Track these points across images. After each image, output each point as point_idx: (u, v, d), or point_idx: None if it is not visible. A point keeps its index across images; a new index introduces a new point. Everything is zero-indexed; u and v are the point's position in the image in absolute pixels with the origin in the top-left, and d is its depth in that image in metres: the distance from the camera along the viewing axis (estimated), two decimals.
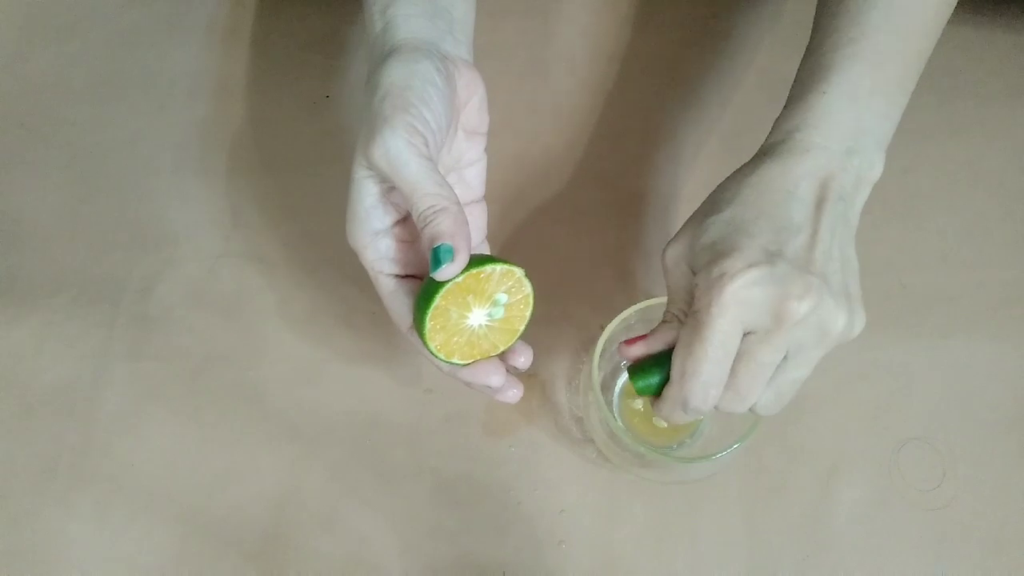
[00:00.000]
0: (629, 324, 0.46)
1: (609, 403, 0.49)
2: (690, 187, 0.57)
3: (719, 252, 0.35)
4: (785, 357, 0.35)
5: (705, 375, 0.35)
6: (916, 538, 0.47)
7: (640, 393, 0.38)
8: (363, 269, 0.40)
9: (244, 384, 0.52)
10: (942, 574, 0.46)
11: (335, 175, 0.58)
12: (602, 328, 0.45)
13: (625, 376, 0.51)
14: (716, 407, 0.36)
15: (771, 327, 0.34)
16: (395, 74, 0.38)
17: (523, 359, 0.41)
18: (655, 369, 0.38)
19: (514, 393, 0.41)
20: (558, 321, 0.53)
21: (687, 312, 0.37)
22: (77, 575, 0.47)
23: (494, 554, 0.47)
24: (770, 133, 0.39)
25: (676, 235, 0.39)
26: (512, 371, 0.41)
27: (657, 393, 0.38)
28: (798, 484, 0.48)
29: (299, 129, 0.61)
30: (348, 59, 0.64)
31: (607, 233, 0.56)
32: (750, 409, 0.37)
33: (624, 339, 0.39)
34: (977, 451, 0.49)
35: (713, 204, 0.38)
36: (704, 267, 0.35)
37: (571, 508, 0.48)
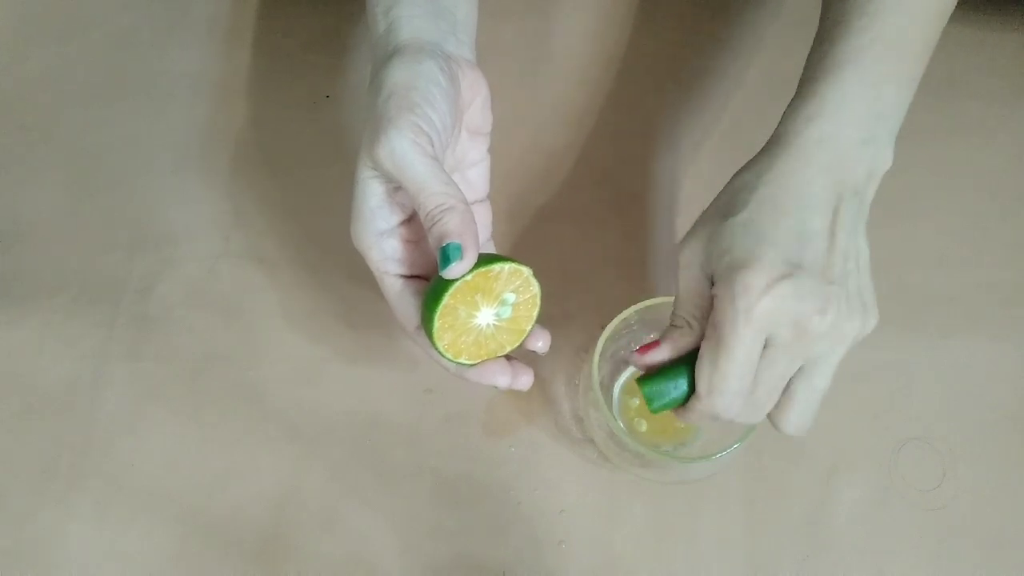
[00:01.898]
0: (629, 324, 0.46)
1: (609, 403, 0.49)
2: (690, 186, 0.57)
3: (740, 262, 0.34)
4: (802, 367, 0.35)
5: (734, 389, 0.35)
6: (916, 538, 0.47)
7: (656, 412, 0.38)
8: (364, 269, 0.40)
9: (244, 384, 0.52)
10: (942, 574, 0.46)
11: (335, 175, 0.58)
12: (602, 328, 0.45)
13: (625, 376, 0.51)
14: (733, 420, 0.36)
15: (791, 340, 0.34)
16: (399, 74, 0.38)
17: (541, 343, 0.41)
18: (667, 384, 0.37)
19: (526, 380, 0.41)
20: (558, 321, 0.52)
21: (697, 317, 0.37)
22: (77, 575, 0.47)
23: (494, 554, 0.47)
24: (783, 120, 0.38)
25: (691, 233, 0.38)
26: (527, 356, 0.41)
27: (671, 407, 0.38)
28: (798, 484, 0.48)
29: (299, 129, 0.61)
30: (349, 59, 0.64)
31: (607, 233, 0.56)
32: (779, 430, 0.37)
33: (635, 348, 0.39)
34: (977, 451, 0.49)
35: (729, 205, 0.37)
36: (724, 276, 0.34)
37: (571, 508, 0.48)
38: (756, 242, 0.34)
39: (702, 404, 0.36)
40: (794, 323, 0.33)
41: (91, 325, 0.54)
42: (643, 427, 0.49)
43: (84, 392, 0.52)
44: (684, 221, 0.55)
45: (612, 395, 0.50)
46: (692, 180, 0.57)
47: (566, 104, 0.61)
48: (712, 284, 0.36)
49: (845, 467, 0.48)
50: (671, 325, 0.38)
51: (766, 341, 0.34)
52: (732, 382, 0.34)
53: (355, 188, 0.38)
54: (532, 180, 0.58)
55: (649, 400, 0.37)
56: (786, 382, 0.35)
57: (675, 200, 0.57)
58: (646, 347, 0.38)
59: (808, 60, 0.40)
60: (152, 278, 0.56)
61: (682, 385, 0.37)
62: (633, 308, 0.45)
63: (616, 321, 0.45)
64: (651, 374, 0.38)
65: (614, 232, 0.56)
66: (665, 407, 0.38)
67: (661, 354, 0.38)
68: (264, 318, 0.54)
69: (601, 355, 0.44)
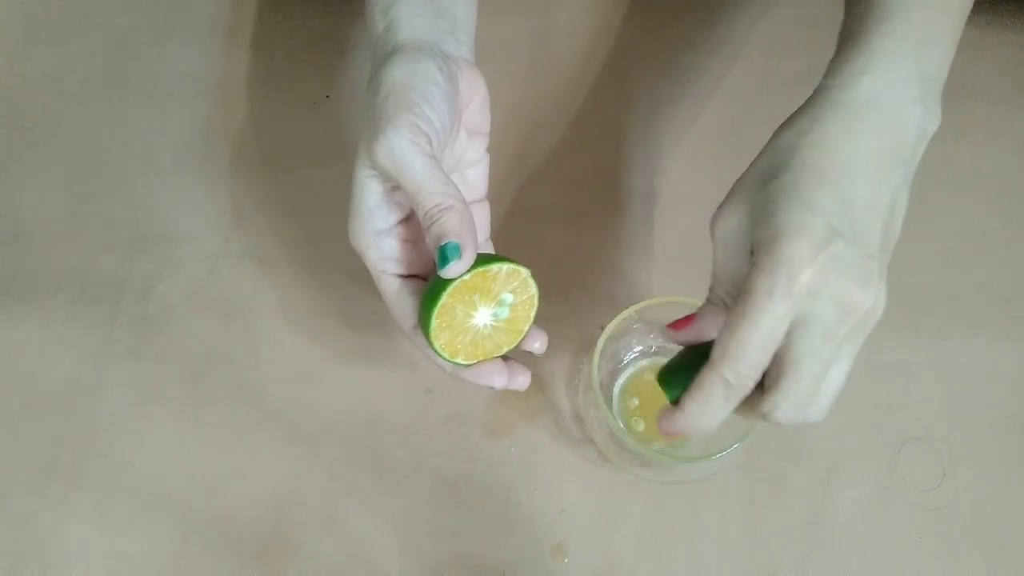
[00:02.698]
0: (629, 324, 0.46)
1: (609, 403, 0.49)
2: (690, 186, 0.57)
3: (781, 229, 0.32)
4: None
5: (749, 359, 0.32)
6: (916, 538, 0.47)
7: (674, 402, 0.35)
8: (364, 269, 0.40)
9: (244, 384, 0.52)
10: (942, 574, 0.46)
11: (335, 175, 0.58)
12: (602, 328, 0.45)
13: (625, 376, 0.51)
14: (777, 420, 0.34)
15: (832, 321, 0.32)
16: (398, 74, 0.38)
17: (538, 344, 0.41)
18: (689, 375, 0.34)
19: (523, 380, 0.41)
20: (558, 321, 0.52)
21: (734, 296, 0.35)
22: (77, 575, 0.47)
23: (494, 554, 0.47)
24: (828, 73, 0.36)
25: (727, 202, 0.35)
26: (525, 358, 0.41)
27: None
28: (798, 484, 0.48)
29: (299, 129, 0.61)
30: (348, 59, 0.64)
31: (607, 232, 0.56)
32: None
33: (669, 322, 0.37)
34: (977, 451, 0.49)
35: (769, 166, 0.34)
36: (766, 246, 0.32)
37: (571, 508, 0.48)
38: (799, 208, 0.32)
39: (714, 372, 0.33)
40: (837, 300, 0.31)
41: (91, 325, 0.54)
42: (641, 427, 0.49)
43: (84, 392, 0.52)
44: (684, 221, 0.55)
45: (612, 395, 0.50)
46: (692, 180, 0.57)
47: (565, 104, 0.61)
48: (751, 258, 0.33)
49: (845, 467, 0.48)
50: (707, 301, 0.36)
51: (803, 325, 0.32)
52: (749, 352, 0.32)
53: (353, 187, 0.38)
54: (531, 180, 0.58)
55: (667, 392, 0.36)
56: (827, 370, 0.33)
57: (675, 200, 0.57)
58: (679, 322, 0.37)
59: (849, 13, 0.38)
60: (152, 278, 0.56)
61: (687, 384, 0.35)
62: (633, 308, 0.45)
63: (616, 321, 0.45)
64: (674, 366, 0.37)
65: (613, 232, 0.56)
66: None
67: (694, 332, 0.36)
68: (264, 318, 0.54)
69: (601, 355, 0.44)
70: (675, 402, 0.35)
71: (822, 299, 0.31)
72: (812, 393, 0.33)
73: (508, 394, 0.51)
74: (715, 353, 0.33)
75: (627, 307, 0.45)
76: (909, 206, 0.54)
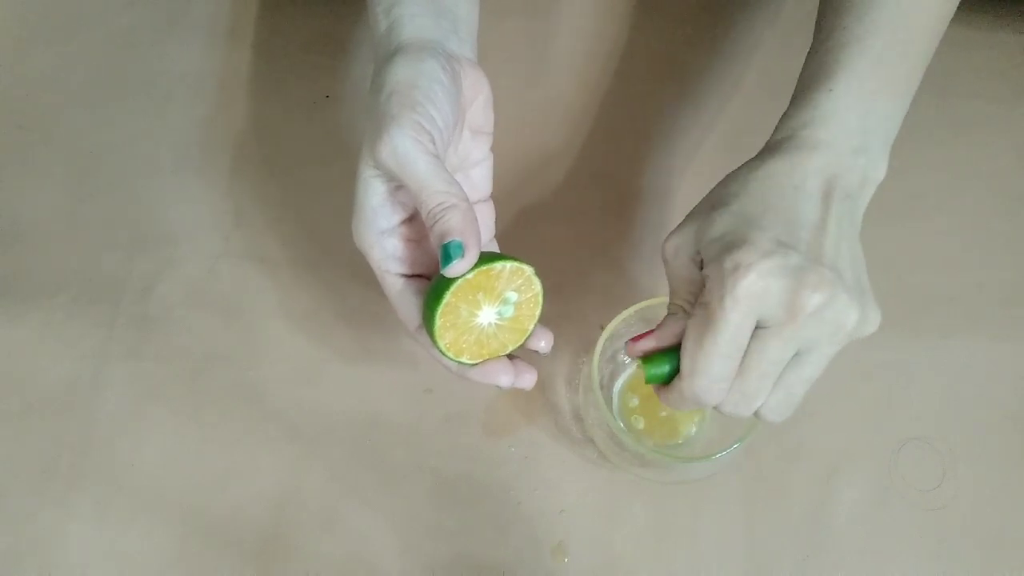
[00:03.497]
0: (629, 324, 0.46)
1: (609, 403, 0.49)
2: (690, 186, 0.57)
3: (729, 243, 0.34)
4: (796, 355, 0.34)
5: (716, 369, 0.34)
6: (916, 538, 0.47)
7: (649, 381, 0.37)
8: (365, 268, 0.40)
9: (244, 384, 0.52)
10: (942, 574, 0.46)
11: (336, 175, 0.58)
12: (602, 328, 0.45)
13: (625, 376, 0.51)
14: (721, 410, 0.36)
15: (783, 320, 0.33)
16: (401, 73, 0.38)
17: (544, 343, 0.41)
18: (666, 358, 0.37)
19: (529, 379, 0.41)
20: (558, 321, 0.52)
21: (692, 303, 0.37)
22: (77, 575, 0.47)
23: (494, 554, 0.47)
24: (775, 130, 0.39)
25: (677, 227, 0.38)
26: (529, 356, 0.41)
27: (667, 381, 0.37)
28: (798, 484, 0.48)
29: (299, 129, 0.61)
30: (348, 59, 0.64)
31: (607, 232, 0.56)
32: (756, 415, 0.36)
33: (629, 338, 0.38)
34: (977, 451, 0.49)
35: (719, 198, 0.37)
36: (714, 259, 0.34)
37: (571, 508, 0.48)
38: (747, 227, 0.34)
39: (684, 384, 0.35)
40: (786, 301, 0.32)
41: (91, 325, 0.54)
42: (641, 425, 0.49)
43: (84, 392, 0.52)
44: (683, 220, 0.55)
45: (612, 395, 0.50)
46: (691, 180, 0.57)
47: (566, 104, 0.61)
48: (700, 265, 0.36)
49: (845, 467, 0.48)
50: (668, 313, 0.38)
51: (757, 324, 0.33)
52: (715, 363, 0.33)
53: (357, 187, 0.38)
54: (532, 179, 0.58)
55: (645, 371, 0.37)
56: (779, 371, 0.34)
57: (675, 200, 0.57)
58: (639, 336, 0.38)
59: (803, 69, 0.40)
60: (152, 278, 0.56)
61: (674, 360, 0.36)
62: (633, 308, 0.45)
63: (616, 321, 0.45)
64: (652, 352, 0.38)
65: (614, 232, 0.56)
66: (655, 379, 0.37)
67: (651, 341, 0.38)
68: (264, 318, 0.54)
69: (601, 355, 0.44)
70: (650, 380, 0.37)
71: (771, 301, 0.33)
72: (757, 388, 0.35)
73: (509, 394, 0.51)
74: (684, 365, 0.35)
75: (627, 307, 0.45)
76: (908, 206, 0.54)
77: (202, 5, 0.68)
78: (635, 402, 0.50)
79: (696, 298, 0.36)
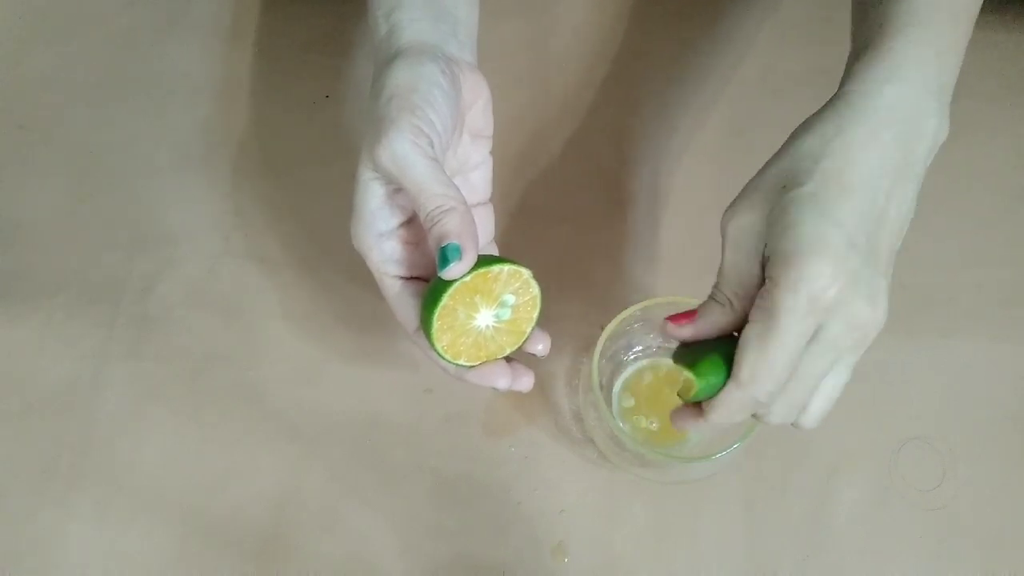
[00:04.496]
0: (629, 324, 0.46)
1: (609, 403, 0.49)
2: (692, 187, 0.57)
3: (803, 243, 0.31)
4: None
5: (777, 378, 0.33)
6: (916, 538, 0.47)
7: (698, 395, 0.35)
8: (364, 269, 0.40)
9: (244, 384, 0.52)
10: (942, 574, 0.46)
11: (335, 175, 0.58)
12: (602, 328, 0.45)
13: (625, 376, 0.51)
14: (767, 420, 0.35)
15: (841, 333, 0.32)
16: (400, 77, 0.38)
17: (541, 346, 0.41)
18: (714, 367, 0.34)
19: (526, 381, 0.41)
20: (558, 321, 0.52)
21: (740, 296, 0.35)
22: (77, 575, 0.47)
23: (494, 554, 0.47)
24: (850, 79, 0.35)
25: (743, 201, 0.35)
26: (527, 359, 0.41)
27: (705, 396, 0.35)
28: (798, 484, 0.48)
29: (299, 129, 0.61)
30: (348, 59, 0.64)
31: (607, 233, 0.56)
32: (794, 423, 0.35)
33: (668, 315, 0.36)
34: (977, 451, 0.49)
35: (791, 172, 0.34)
36: (787, 259, 0.32)
37: (571, 508, 0.48)
38: (822, 221, 0.32)
39: (741, 392, 0.33)
40: (849, 319, 0.32)
41: (91, 325, 0.54)
42: (642, 426, 0.49)
43: (84, 392, 0.52)
44: (685, 221, 0.55)
45: (612, 395, 0.50)
46: (693, 180, 0.57)
47: (566, 105, 0.61)
48: (762, 261, 0.34)
49: (845, 467, 0.48)
50: (711, 299, 0.36)
51: (812, 338, 0.32)
52: (778, 371, 0.32)
53: (356, 189, 0.38)
54: (532, 180, 0.58)
55: (697, 379, 0.35)
56: (823, 379, 0.34)
57: (676, 201, 0.57)
58: (679, 317, 0.36)
59: (866, 17, 0.37)
60: (152, 278, 0.56)
61: (725, 369, 0.34)
62: (633, 308, 0.45)
63: (616, 321, 0.45)
64: (687, 354, 0.36)
65: (614, 232, 0.56)
66: (706, 391, 0.35)
67: (693, 329, 0.36)
68: (264, 318, 0.54)
69: (601, 355, 0.44)
70: (701, 393, 0.35)
71: (836, 317, 0.32)
72: (803, 400, 0.34)
73: (508, 394, 0.51)
74: (742, 373, 0.33)
75: (627, 307, 0.45)
76: None
77: (202, 5, 0.68)
78: (635, 402, 0.50)
79: (746, 292, 0.34)
